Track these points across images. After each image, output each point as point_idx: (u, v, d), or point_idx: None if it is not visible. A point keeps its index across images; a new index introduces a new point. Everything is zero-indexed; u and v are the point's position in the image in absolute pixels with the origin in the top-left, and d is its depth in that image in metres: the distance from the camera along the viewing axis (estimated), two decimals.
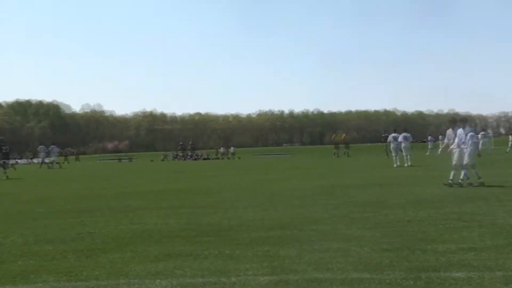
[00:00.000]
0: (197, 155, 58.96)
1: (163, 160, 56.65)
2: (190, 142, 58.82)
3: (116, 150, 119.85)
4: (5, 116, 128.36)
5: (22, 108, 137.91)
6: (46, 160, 37.22)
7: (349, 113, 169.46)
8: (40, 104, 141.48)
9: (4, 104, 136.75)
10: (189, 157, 57.33)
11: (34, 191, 14.64)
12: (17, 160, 64.78)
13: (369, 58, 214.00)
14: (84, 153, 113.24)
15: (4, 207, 10.66)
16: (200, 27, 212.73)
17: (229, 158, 57.65)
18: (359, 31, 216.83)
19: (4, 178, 22.65)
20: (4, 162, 23.94)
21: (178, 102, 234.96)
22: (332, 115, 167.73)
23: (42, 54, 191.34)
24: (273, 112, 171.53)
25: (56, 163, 37.40)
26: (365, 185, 13.33)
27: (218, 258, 5.26)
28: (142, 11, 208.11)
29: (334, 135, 48.74)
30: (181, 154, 59.26)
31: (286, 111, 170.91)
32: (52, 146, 38.75)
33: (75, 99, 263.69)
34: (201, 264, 5.03)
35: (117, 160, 64.34)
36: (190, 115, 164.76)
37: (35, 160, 61.49)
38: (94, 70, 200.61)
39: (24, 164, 53.63)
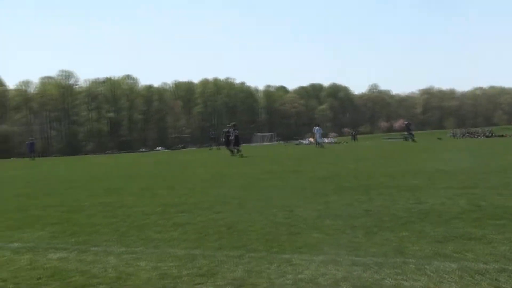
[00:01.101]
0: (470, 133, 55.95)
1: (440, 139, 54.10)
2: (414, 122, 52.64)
3: (394, 129, 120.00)
4: (292, 100, 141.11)
5: (306, 92, 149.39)
6: (320, 141, 40.79)
7: None
8: (328, 88, 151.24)
9: (291, 90, 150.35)
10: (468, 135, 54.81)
11: (320, 169, 15.62)
12: (300, 140, 71.01)
13: None
14: (370, 133, 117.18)
15: (293, 184, 11.69)
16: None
17: None
18: None
19: (238, 155, 26.81)
20: (237, 145, 28.55)
21: (453, 77, 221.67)
22: None
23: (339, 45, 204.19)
24: None
25: (319, 143, 40.25)
26: None
27: None
28: None
29: None
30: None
31: None
32: (315, 127, 41.59)
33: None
34: (494, 249, 4.70)
35: (403, 139, 63.49)
36: (472, 90, 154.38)
37: (311, 140, 66.38)
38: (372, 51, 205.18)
39: (305, 144, 58.17)
